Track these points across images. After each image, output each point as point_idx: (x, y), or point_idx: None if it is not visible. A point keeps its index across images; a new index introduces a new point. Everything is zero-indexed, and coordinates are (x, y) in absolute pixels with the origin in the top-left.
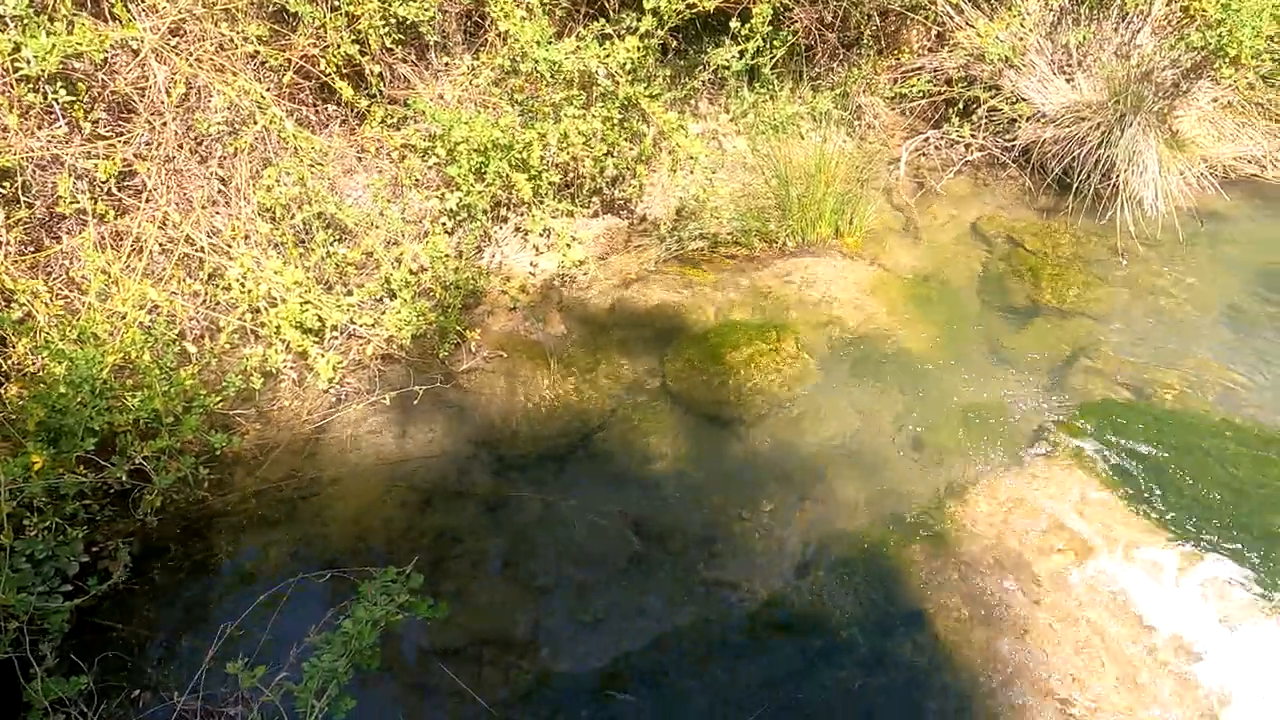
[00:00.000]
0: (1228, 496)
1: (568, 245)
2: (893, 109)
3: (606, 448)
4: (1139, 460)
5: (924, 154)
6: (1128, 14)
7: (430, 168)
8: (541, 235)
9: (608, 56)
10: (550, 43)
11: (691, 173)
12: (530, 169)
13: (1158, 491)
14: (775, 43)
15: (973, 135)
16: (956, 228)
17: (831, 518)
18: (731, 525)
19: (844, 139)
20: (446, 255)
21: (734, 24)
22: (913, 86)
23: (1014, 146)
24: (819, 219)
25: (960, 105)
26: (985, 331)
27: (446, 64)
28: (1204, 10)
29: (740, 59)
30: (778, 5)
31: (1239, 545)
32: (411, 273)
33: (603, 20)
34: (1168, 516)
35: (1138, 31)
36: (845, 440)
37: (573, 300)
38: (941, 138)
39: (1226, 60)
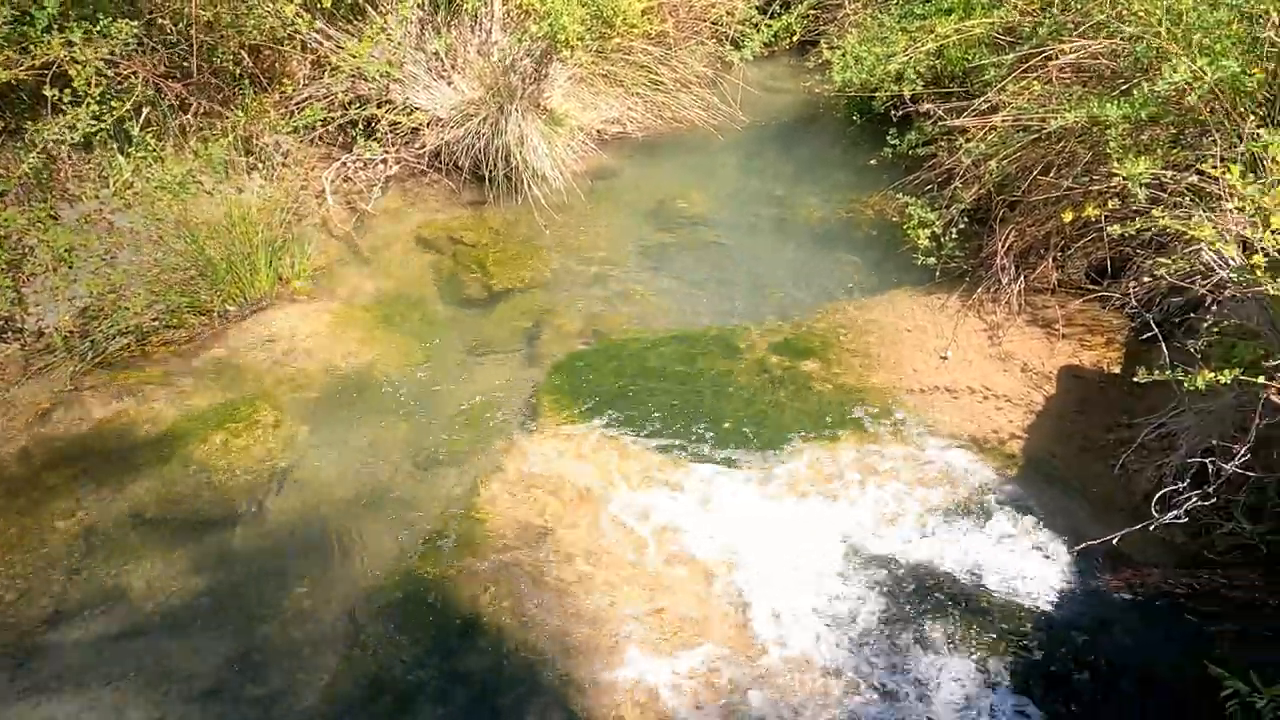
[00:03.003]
0: (682, 396)
1: None
2: (301, 141)
3: (69, 633)
4: (610, 394)
5: (347, 179)
6: (476, 16)
7: None
8: None
9: None
10: None
11: (70, 267)
12: None
13: (632, 414)
14: (115, 103)
15: (385, 151)
16: (401, 242)
17: (366, 569)
18: (265, 628)
19: (260, 184)
20: None
21: (50, 92)
22: (308, 116)
23: (425, 153)
24: (255, 273)
25: (361, 125)
26: (457, 331)
27: None
28: (534, 5)
29: (76, 129)
30: (100, 64)
31: (703, 434)
32: None
33: None
34: (647, 433)
35: (490, 31)
36: (356, 486)
37: None
38: (357, 159)
39: (563, 44)
